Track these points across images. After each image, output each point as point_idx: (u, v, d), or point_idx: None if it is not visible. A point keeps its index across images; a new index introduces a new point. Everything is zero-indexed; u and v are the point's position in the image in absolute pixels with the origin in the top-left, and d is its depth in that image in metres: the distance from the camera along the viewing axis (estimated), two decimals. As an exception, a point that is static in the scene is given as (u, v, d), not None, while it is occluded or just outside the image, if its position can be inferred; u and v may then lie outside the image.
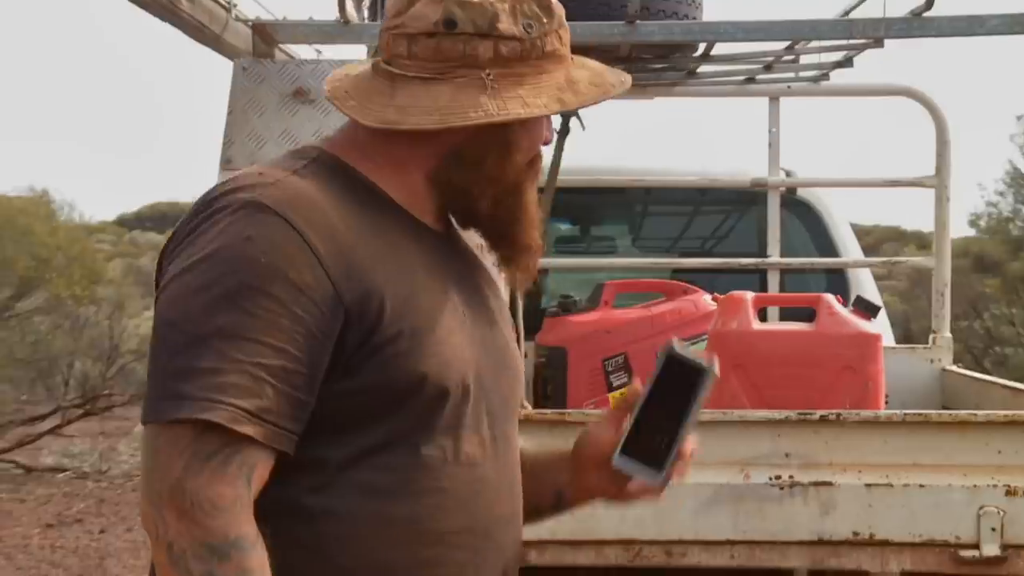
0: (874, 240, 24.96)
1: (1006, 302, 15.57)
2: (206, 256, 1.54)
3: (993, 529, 3.13)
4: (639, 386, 1.77)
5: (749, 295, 3.62)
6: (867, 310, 3.63)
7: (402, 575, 1.61)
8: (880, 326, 5.00)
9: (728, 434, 3.23)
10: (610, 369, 4.14)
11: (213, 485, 1.46)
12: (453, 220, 1.81)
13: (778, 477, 3.20)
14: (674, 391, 1.74)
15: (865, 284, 5.23)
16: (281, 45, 3.52)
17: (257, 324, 1.50)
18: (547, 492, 1.93)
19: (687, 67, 4.48)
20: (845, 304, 3.71)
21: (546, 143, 1.79)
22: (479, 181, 1.71)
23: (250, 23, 3.37)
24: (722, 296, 3.81)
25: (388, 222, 1.67)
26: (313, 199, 1.59)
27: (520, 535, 1.81)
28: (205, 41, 3.28)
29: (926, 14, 3.33)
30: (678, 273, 5.10)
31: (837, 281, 5.14)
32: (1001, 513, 3.13)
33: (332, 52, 3.96)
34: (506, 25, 1.65)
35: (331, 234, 1.57)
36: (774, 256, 4.78)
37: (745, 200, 5.27)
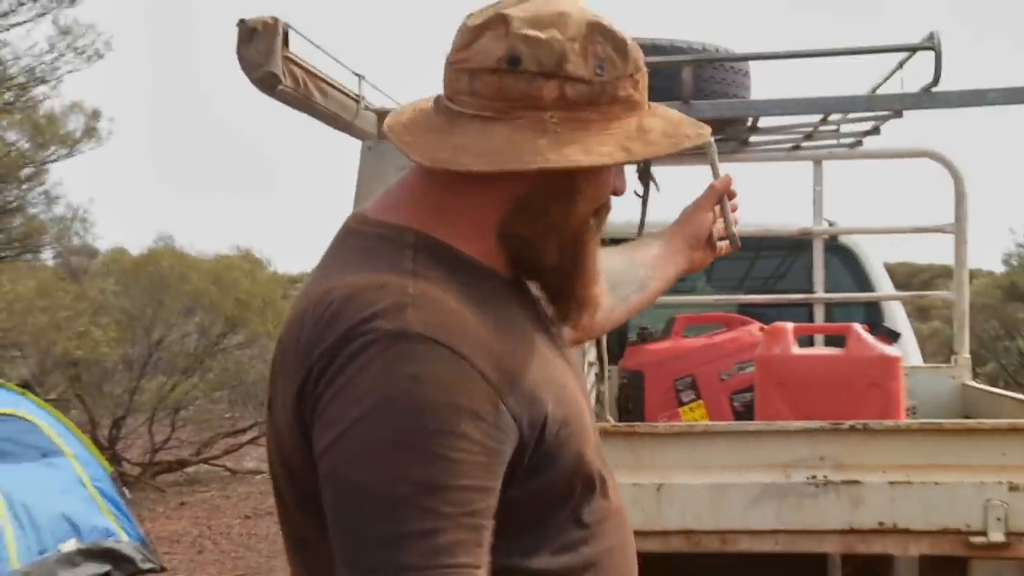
0: (929, 276, 24.39)
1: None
2: (376, 406, 1.18)
3: (998, 519, 3.02)
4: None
5: (790, 325, 3.54)
6: (889, 336, 3.52)
7: None
8: (903, 349, 4.89)
9: (772, 442, 3.18)
10: (680, 388, 4.10)
11: None
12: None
13: (814, 477, 3.13)
14: None
15: (896, 314, 5.12)
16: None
17: (454, 469, 1.17)
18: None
19: (740, 137, 4.41)
20: (873, 332, 3.60)
21: (616, 194, 1.43)
22: (545, 232, 1.35)
23: (375, 110, 3.39)
24: (768, 327, 3.72)
25: (499, 299, 1.34)
26: (456, 311, 1.25)
27: None
28: (339, 127, 3.31)
29: (935, 89, 3.24)
30: (744, 308, 5.05)
31: (872, 312, 5.04)
32: (1005, 505, 3.02)
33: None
34: (575, 66, 1.28)
35: (486, 349, 1.24)
36: (819, 292, 4.71)
37: (796, 247, 5.19)
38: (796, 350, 3.47)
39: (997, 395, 4.15)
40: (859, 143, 4.66)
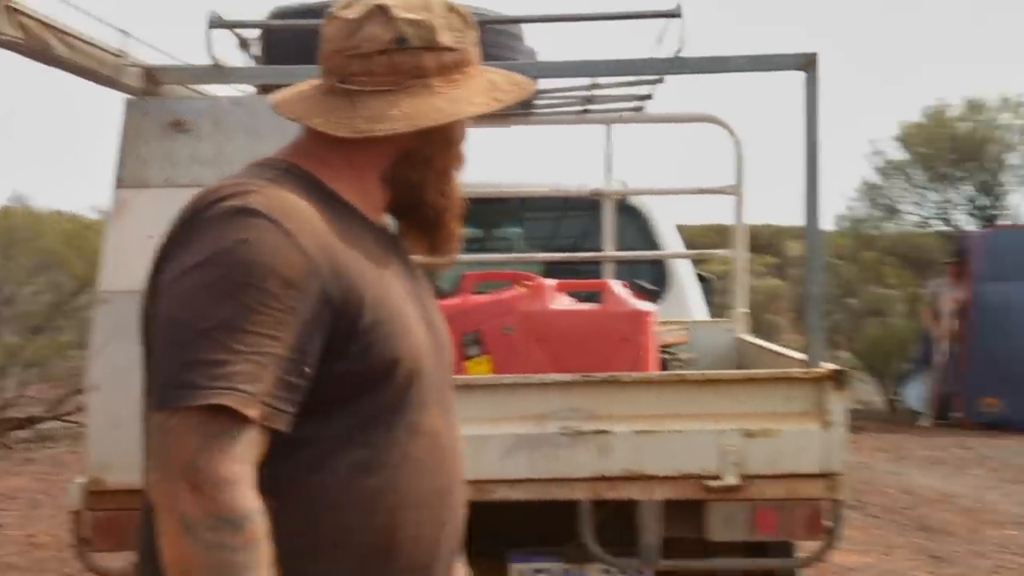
0: (784, 235, 24.91)
1: (863, 282, 15.47)
2: (206, 259, 1.36)
3: (734, 463, 3.07)
4: None
5: (552, 282, 3.52)
6: (644, 292, 3.54)
7: (384, 536, 1.46)
8: (680, 305, 4.95)
9: (528, 394, 3.18)
10: (466, 343, 4.04)
11: (223, 462, 1.30)
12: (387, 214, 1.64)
13: (567, 428, 3.13)
14: None
15: (681, 271, 5.19)
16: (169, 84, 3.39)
17: (256, 318, 1.33)
18: None
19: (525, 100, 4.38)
20: (633, 289, 3.61)
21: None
22: (429, 176, 1.57)
23: (141, 65, 3.24)
24: (530, 283, 3.70)
25: (351, 222, 1.50)
26: (295, 203, 1.43)
27: (465, 491, 1.65)
28: (100, 82, 3.16)
29: (681, 54, 3.22)
30: (551, 266, 5.06)
31: (659, 270, 5.10)
32: (739, 451, 3.08)
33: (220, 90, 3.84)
34: (444, 38, 1.52)
35: (315, 234, 1.41)
36: (608, 251, 4.75)
37: (597, 207, 5.20)
38: (555, 305, 3.45)
39: (763, 347, 4.23)
40: (640, 108, 4.67)
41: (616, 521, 3.25)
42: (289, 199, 1.43)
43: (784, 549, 3.30)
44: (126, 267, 3.14)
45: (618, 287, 3.44)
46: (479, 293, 4.32)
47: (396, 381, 1.47)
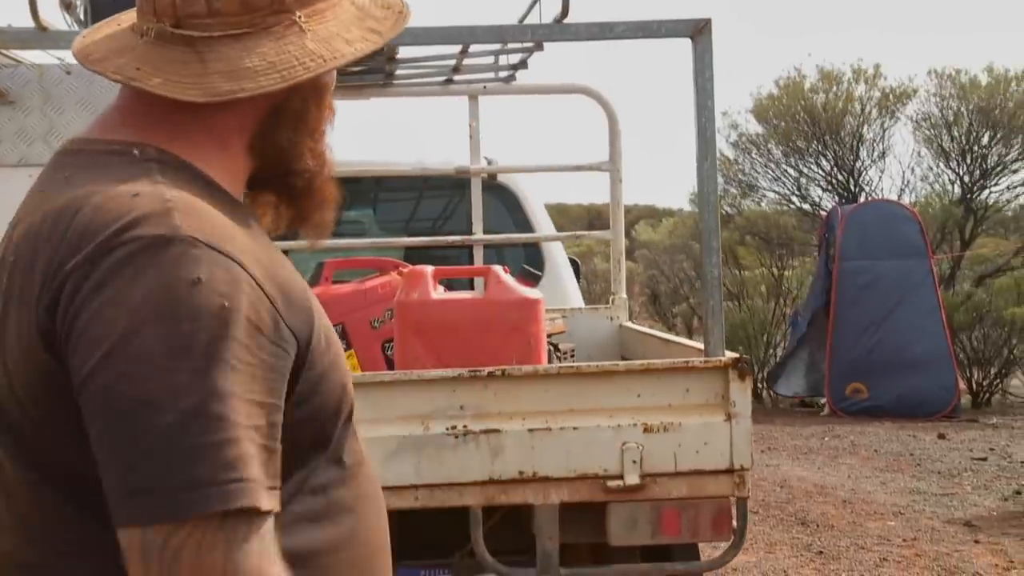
0: (634, 217, 25.42)
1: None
2: (155, 315, 1.11)
3: (634, 462, 3.12)
4: None
5: (429, 269, 3.51)
6: (530, 278, 3.56)
7: None
8: (560, 291, 5.02)
9: (410, 392, 3.16)
10: (327, 338, 3.99)
11: (263, 569, 1.11)
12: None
13: (454, 427, 3.13)
14: None
15: (556, 255, 5.25)
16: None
17: (241, 379, 1.12)
18: None
19: (383, 69, 4.33)
20: (514, 274, 3.63)
21: None
22: (301, 136, 1.34)
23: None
24: (407, 270, 3.68)
25: (240, 219, 1.27)
26: (220, 217, 1.20)
27: None
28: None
29: (565, 21, 3.25)
30: (412, 251, 5.04)
31: (533, 253, 5.14)
32: (640, 447, 3.13)
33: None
34: None
35: (255, 257, 1.20)
36: (478, 234, 4.76)
37: (460, 186, 5.20)
38: (435, 295, 3.43)
39: (647, 335, 4.31)
40: (512, 78, 4.69)
41: (509, 527, 3.27)
42: (212, 212, 1.21)
43: (689, 551, 3.38)
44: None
45: (502, 273, 3.44)
46: (337, 283, 4.27)
47: (343, 412, 1.32)
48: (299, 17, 1.28)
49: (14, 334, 1.19)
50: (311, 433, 1.27)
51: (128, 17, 1.34)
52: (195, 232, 1.15)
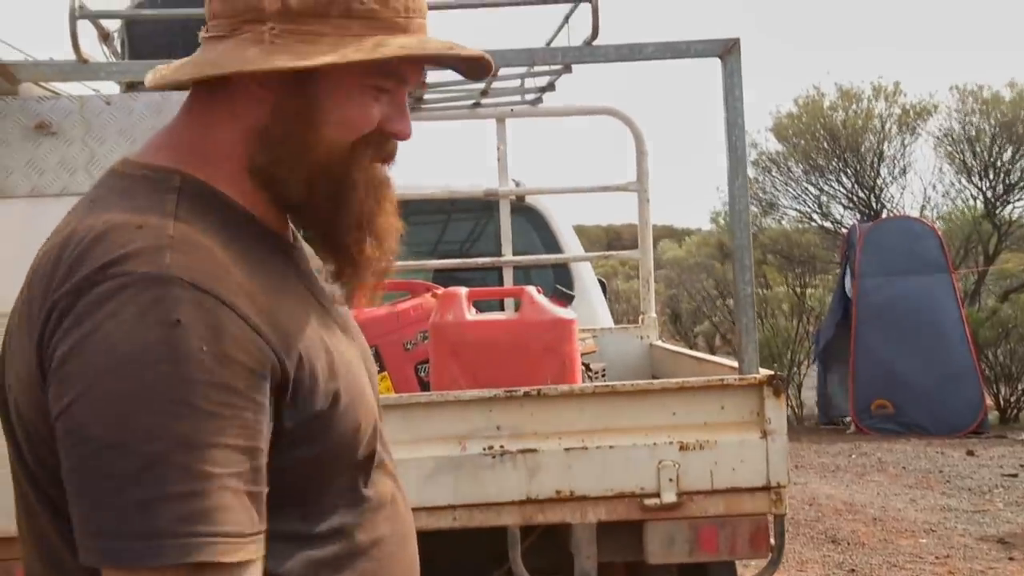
0: (654, 236, 25.50)
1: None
2: (131, 356, 1.10)
3: (671, 480, 3.14)
4: None
5: (464, 290, 3.54)
6: (563, 298, 3.59)
7: None
8: (591, 311, 5.04)
9: (447, 413, 3.19)
10: (361, 361, 4.03)
11: None
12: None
13: (491, 447, 3.16)
14: None
15: (584, 275, 5.27)
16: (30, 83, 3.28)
17: (219, 425, 1.10)
18: None
19: (412, 95, 4.38)
20: (546, 295, 3.65)
21: (399, 136, 1.34)
22: (285, 161, 1.29)
23: (-7, 63, 3.13)
24: (441, 292, 3.72)
25: (262, 248, 1.28)
26: (217, 257, 1.19)
27: None
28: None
29: (595, 43, 3.29)
30: (440, 273, 5.07)
31: (562, 273, 5.17)
32: (676, 466, 3.14)
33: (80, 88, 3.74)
34: None
35: (252, 298, 1.19)
36: (507, 255, 4.80)
37: (488, 209, 5.24)
38: (470, 316, 3.47)
39: (679, 354, 4.33)
40: (539, 100, 4.73)
41: (547, 546, 3.29)
42: (209, 251, 1.20)
43: (727, 569, 3.39)
44: (-13, 289, 3.02)
45: (536, 294, 3.48)
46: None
47: (357, 455, 1.31)
48: (269, 28, 1.26)
49: (24, 368, 1.21)
50: (309, 477, 1.26)
51: None
52: (182, 272, 1.15)
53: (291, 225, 1.38)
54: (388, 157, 1.35)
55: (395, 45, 1.26)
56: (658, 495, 3.14)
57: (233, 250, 1.22)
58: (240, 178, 1.30)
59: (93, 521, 1.11)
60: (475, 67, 1.35)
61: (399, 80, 1.30)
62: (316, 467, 1.26)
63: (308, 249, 1.40)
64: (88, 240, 1.18)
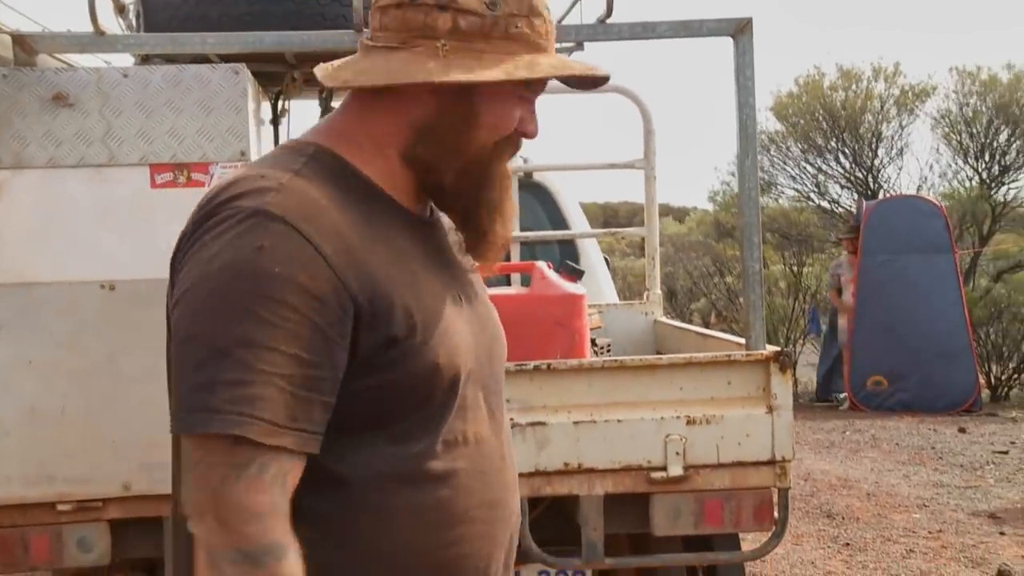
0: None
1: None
2: (220, 268, 1.35)
3: (677, 453, 3.15)
4: None
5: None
6: (573, 273, 3.59)
7: (436, 554, 1.48)
8: (596, 287, 5.04)
9: (457, 385, 3.18)
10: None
11: (249, 494, 1.31)
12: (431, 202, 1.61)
13: (500, 420, 3.15)
14: None
15: (591, 251, 5.28)
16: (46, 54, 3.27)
17: (277, 333, 1.32)
18: None
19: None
20: (556, 270, 3.66)
21: (527, 136, 1.57)
22: (445, 155, 1.51)
23: (10, 33, 3.11)
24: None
25: (383, 216, 1.49)
26: (318, 203, 1.41)
27: (519, 498, 1.66)
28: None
29: (608, 21, 3.28)
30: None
31: (568, 250, 5.17)
32: (683, 440, 3.15)
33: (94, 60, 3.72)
34: (468, 1, 1.46)
35: (339, 239, 1.39)
36: (515, 231, 4.79)
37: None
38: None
39: (683, 329, 4.34)
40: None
41: (554, 517, 3.30)
42: (310, 197, 1.41)
43: (731, 541, 3.41)
44: (5, 259, 3.02)
45: (546, 269, 3.48)
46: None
47: (435, 391, 1.46)
48: (442, 44, 1.46)
49: (170, 285, 1.47)
50: (387, 402, 1.44)
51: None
52: (277, 208, 1.38)
53: (431, 204, 1.59)
54: (515, 151, 1.60)
55: (546, 64, 1.48)
56: (664, 468, 3.15)
57: (342, 205, 1.43)
58: (382, 159, 1.52)
59: (174, 397, 1.38)
60: (589, 82, 1.56)
61: (535, 90, 1.54)
62: (391, 393, 1.43)
63: (449, 225, 1.62)
64: (222, 185, 1.44)
